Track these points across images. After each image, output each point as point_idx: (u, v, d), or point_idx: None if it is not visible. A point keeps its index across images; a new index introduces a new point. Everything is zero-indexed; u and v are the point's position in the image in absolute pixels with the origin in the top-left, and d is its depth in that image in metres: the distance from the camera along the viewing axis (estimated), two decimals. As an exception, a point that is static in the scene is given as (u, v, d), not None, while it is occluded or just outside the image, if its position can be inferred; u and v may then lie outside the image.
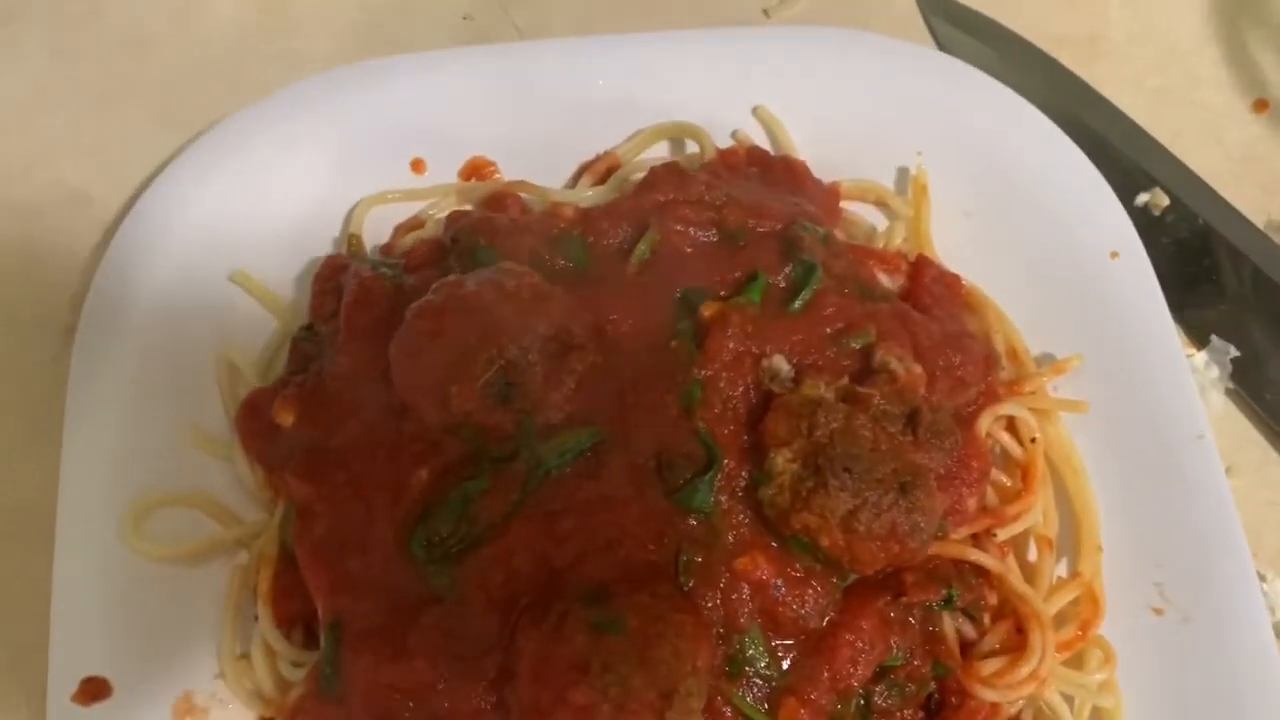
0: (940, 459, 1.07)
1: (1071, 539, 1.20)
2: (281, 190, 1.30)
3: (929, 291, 1.24)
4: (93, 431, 1.16)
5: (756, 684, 1.03)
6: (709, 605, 1.01)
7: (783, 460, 1.03)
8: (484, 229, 1.17)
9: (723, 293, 1.14)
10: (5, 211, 1.36)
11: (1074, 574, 1.17)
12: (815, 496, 1.01)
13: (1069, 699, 1.13)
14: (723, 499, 1.05)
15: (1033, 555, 1.19)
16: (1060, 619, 1.14)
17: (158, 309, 1.22)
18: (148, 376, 1.19)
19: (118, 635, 1.08)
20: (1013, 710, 1.11)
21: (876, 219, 1.36)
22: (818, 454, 1.02)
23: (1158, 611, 1.16)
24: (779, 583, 1.03)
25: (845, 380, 1.10)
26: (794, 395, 1.07)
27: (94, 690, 1.05)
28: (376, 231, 1.31)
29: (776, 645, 1.04)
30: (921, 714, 1.10)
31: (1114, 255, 1.29)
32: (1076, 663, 1.14)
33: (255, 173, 1.30)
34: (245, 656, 1.11)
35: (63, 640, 1.07)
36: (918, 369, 1.10)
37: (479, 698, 0.98)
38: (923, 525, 1.02)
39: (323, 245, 1.29)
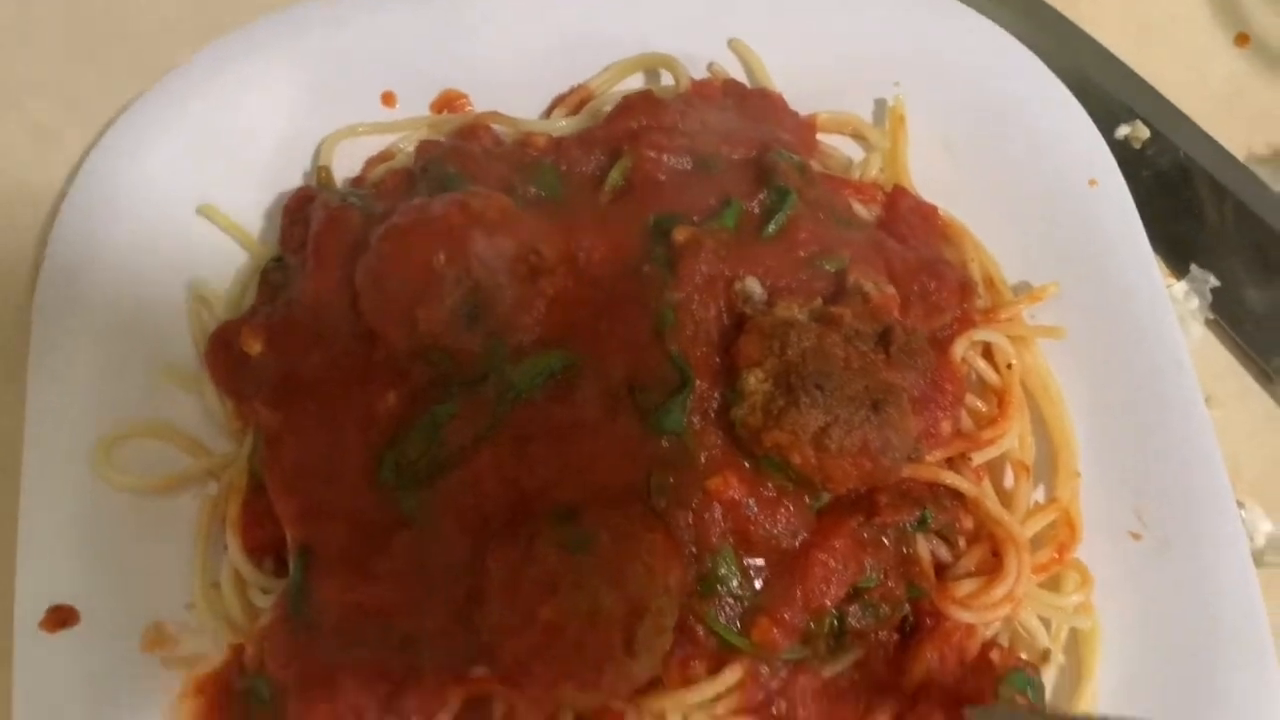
0: (913, 379, 1.06)
1: (1049, 466, 1.19)
2: (249, 126, 1.28)
3: (905, 221, 1.23)
4: (60, 365, 1.14)
5: (729, 603, 1.02)
6: (681, 525, 1.01)
7: (755, 380, 1.03)
8: (454, 157, 1.15)
9: (696, 219, 1.13)
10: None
11: (1051, 499, 1.16)
12: (786, 414, 1.00)
13: (1046, 623, 1.12)
14: (695, 420, 1.04)
15: (1009, 482, 1.18)
16: (1037, 542, 1.14)
17: (125, 244, 1.21)
18: (116, 311, 1.18)
19: (86, 564, 1.08)
20: (989, 634, 1.11)
21: (854, 152, 1.35)
22: (789, 372, 1.01)
23: (1136, 537, 1.15)
24: (751, 502, 1.03)
25: (818, 302, 1.09)
26: (767, 317, 1.06)
27: (61, 617, 1.05)
28: (347, 166, 1.29)
29: (749, 565, 1.03)
30: (896, 636, 1.09)
31: (1092, 183, 1.28)
32: (1053, 586, 1.14)
33: (223, 108, 1.27)
34: (216, 586, 1.10)
35: (29, 568, 1.06)
36: (890, 290, 1.10)
37: (448, 620, 0.97)
38: (895, 442, 1.01)
39: (292, 180, 1.28)
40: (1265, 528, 1.25)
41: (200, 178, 1.25)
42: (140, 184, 1.24)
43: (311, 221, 1.13)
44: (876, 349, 1.05)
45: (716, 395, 1.05)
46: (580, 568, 0.93)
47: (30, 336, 1.16)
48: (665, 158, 1.17)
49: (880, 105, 1.35)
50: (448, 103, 1.31)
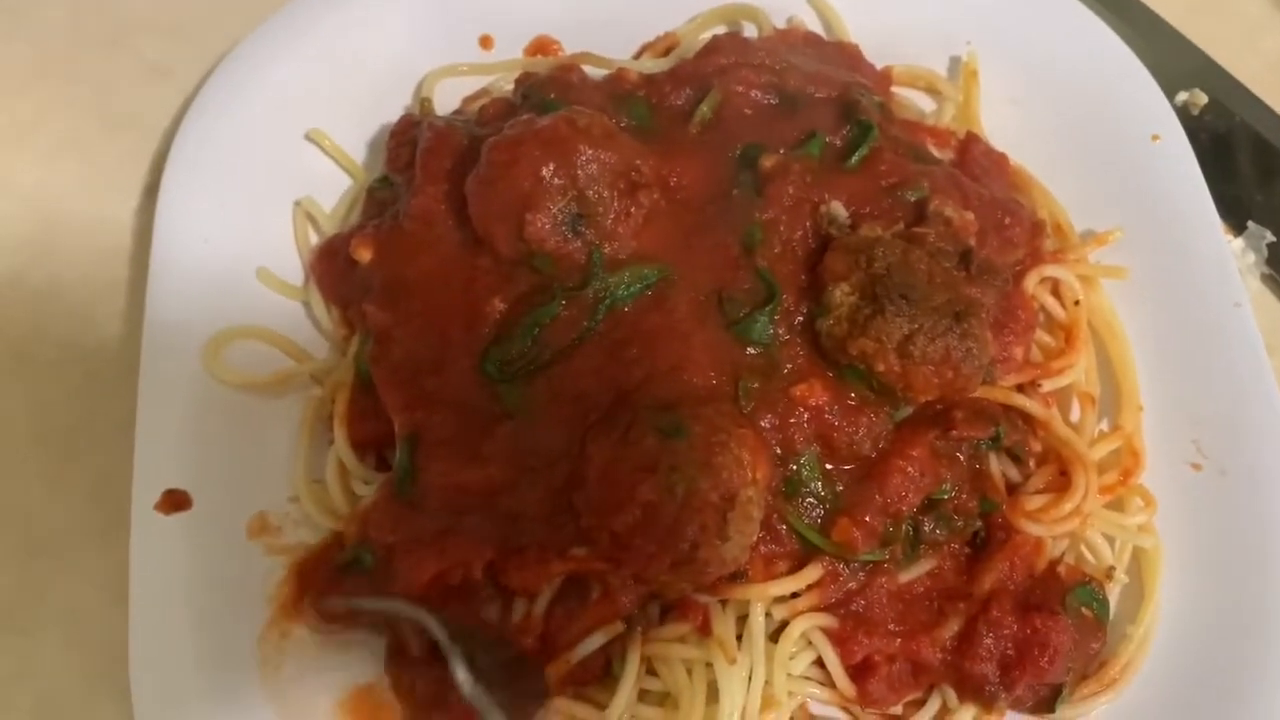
0: (991, 296, 1.11)
1: (1113, 400, 1.24)
2: (355, 64, 1.35)
3: (978, 164, 1.29)
4: (176, 274, 1.20)
5: (811, 504, 1.07)
6: (767, 429, 1.06)
7: (841, 293, 1.08)
8: (553, 84, 1.22)
9: (782, 150, 1.19)
10: (85, 85, 1.42)
11: (1115, 427, 1.21)
12: (872, 322, 1.05)
13: (1111, 542, 1.17)
14: (781, 332, 1.10)
15: (1076, 415, 1.23)
16: (1102, 469, 1.18)
17: (236, 166, 1.27)
18: (227, 228, 1.24)
19: (198, 454, 1.13)
20: (1055, 552, 1.15)
21: (926, 106, 1.41)
22: (875, 284, 1.06)
23: (1196, 467, 1.19)
24: (835, 409, 1.08)
25: (900, 226, 1.14)
26: (852, 236, 1.12)
27: (175, 501, 1.10)
28: (445, 105, 1.36)
29: (831, 470, 1.08)
30: (968, 550, 1.14)
31: (1155, 138, 1.33)
32: (1118, 508, 1.18)
33: (329, 48, 1.34)
34: (319, 481, 1.16)
35: (146, 454, 1.11)
36: (969, 215, 1.15)
37: (549, 503, 1.03)
38: (975, 352, 1.06)
39: (395, 115, 1.34)
40: (1320, 470, 1.28)
41: (307, 110, 1.32)
42: (249, 113, 1.30)
43: (419, 140, 1.20)
44: (958, 266, 1.10)
45: (802, 310, 1.11)
46: (676, 451, 0.98)
47: (150, 251, 1.22)
48: (752, 93, 1.23)
49: (951, 63, 1.42)
50: (541, 47, 1.38)
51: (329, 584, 1.07)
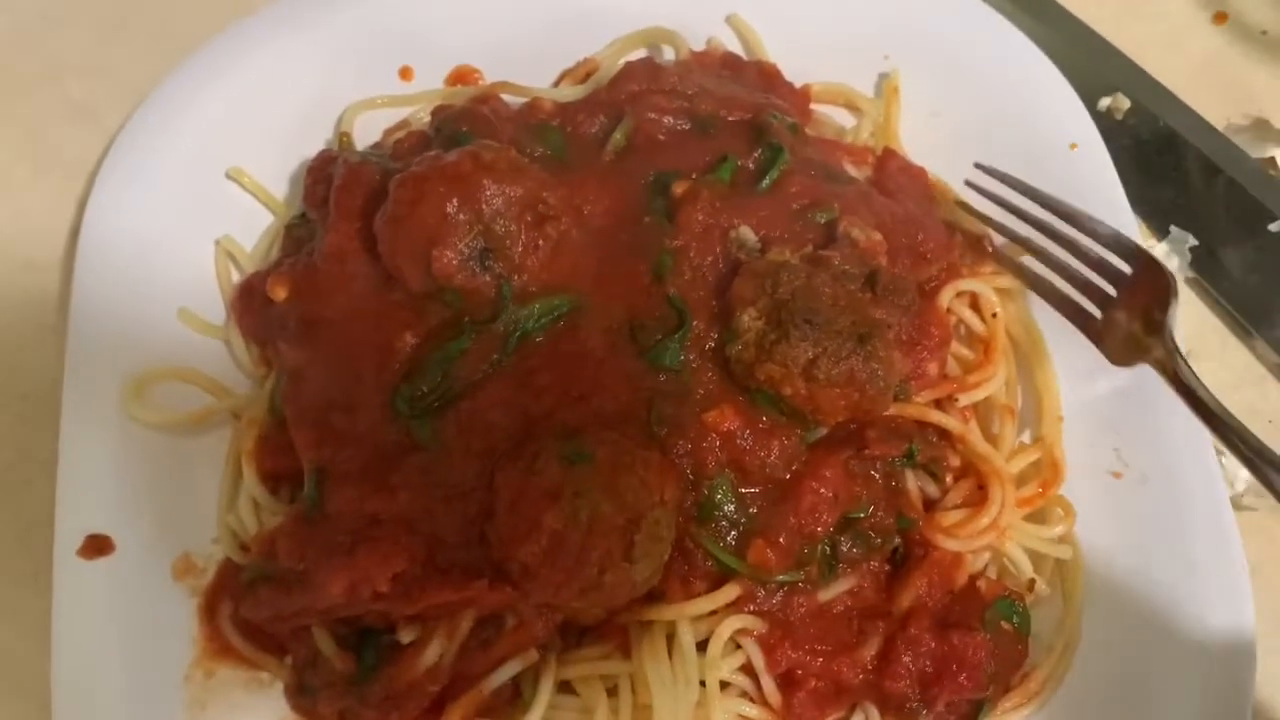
0: (898, 316, 1.12)
1: (1034, 411, 1.25)
2: (274, 100, 1.34)
3: (894, 180, 1.29)
4: (97, 316, 1.21)
5: (724, 526, 1.08)
6: (680, 454, 1.07)
7: (748, 318, 1.09)
8: (466, 118, 1.22)
9: (694, 175, 1.20)
10: (13, 127, 1.43)
11: (1036, 439, 1.22)
12: (778, 347, 1.06)
13: (1033, 555, 1.17)
14: (692, 358, 1.11)
15: (995, 427, 1.23)
16: (1022, 480, 1.19)
17: (158, 206, 1.27)
18: (149, 268, 1.24)
19: (120, 498, 1.13)
20: (976, 566, 1.16)
21: (846, 122, 1.41)
22: (780, 309, 1.07)
23: (1117, 475, 1.20)
24: (746, 434, 1.09)
25: (809, 249, 1.15)
26: (760, 261, 1.12)
27: (97, 546, 1.11)
28: (366, 138, 1.36)
29: (745, 494, 1.09)
30: (887, 567, 1.15)
31: (1073, 147, 1.34)
32: (1038, 520, 1.19)
33: (249, 83, 1.34)
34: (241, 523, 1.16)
35: (67, 499, 1.12)
36: (877, 236, 1.16)
37: (460, 535, 1.03)
38: (880, 373, 1.07)
39: (315, 149, 1.34)
40: (1244, 474, 1.29)
41: (228, 147, 1.31)
42: (171, 154, 1.30)
43: (334, 178, 1.20)
44: (863, 288, 1.11)
45: (713, 336, 1.12)
46: (580, 478, 0.99)
47: (70, 293, 1.23)
48: (665, 119, 1.24)
49: (870, 78, 1.42)
50: (461, 77, 1.38)
51: (241, 599, 1.08)
